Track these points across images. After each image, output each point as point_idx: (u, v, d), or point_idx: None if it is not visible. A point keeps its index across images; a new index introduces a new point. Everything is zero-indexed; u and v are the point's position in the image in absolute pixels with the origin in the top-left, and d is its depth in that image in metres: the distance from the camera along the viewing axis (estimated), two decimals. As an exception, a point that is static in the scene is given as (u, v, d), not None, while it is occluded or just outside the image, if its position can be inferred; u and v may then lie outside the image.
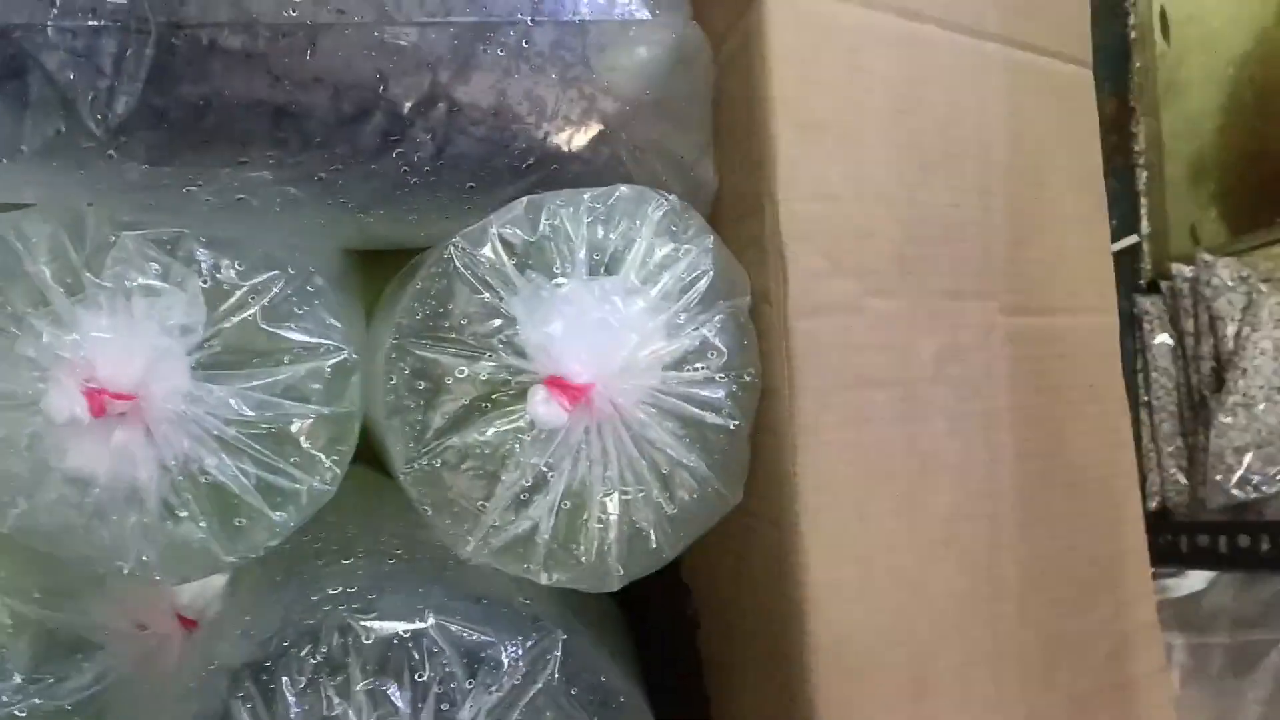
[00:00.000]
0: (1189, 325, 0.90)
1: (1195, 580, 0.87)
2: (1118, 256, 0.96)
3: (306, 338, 0.45)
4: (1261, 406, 0.83)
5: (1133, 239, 0.98)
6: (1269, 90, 0.94)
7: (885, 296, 0.50)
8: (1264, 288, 0.86)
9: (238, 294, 0.44)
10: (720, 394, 0.46)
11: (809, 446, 0.46)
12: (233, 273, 0.44)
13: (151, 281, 0.41)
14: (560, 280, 0.45)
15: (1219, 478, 0.83)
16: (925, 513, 0.49)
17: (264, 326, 0.44)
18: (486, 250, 0.45)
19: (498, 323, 0.44)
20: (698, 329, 0.46)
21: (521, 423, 0.44)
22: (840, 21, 0.51)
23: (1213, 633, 0.83)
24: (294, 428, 0.44)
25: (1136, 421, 0.94)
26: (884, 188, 0.50)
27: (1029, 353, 0.55)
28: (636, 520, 0.45)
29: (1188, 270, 0.91)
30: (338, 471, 0.46)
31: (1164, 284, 0.94)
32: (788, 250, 0.47)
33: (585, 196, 0.46)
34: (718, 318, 0.47)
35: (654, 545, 0.46)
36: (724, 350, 0.46)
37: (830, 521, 0.46)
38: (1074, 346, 0.58)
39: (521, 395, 0.44)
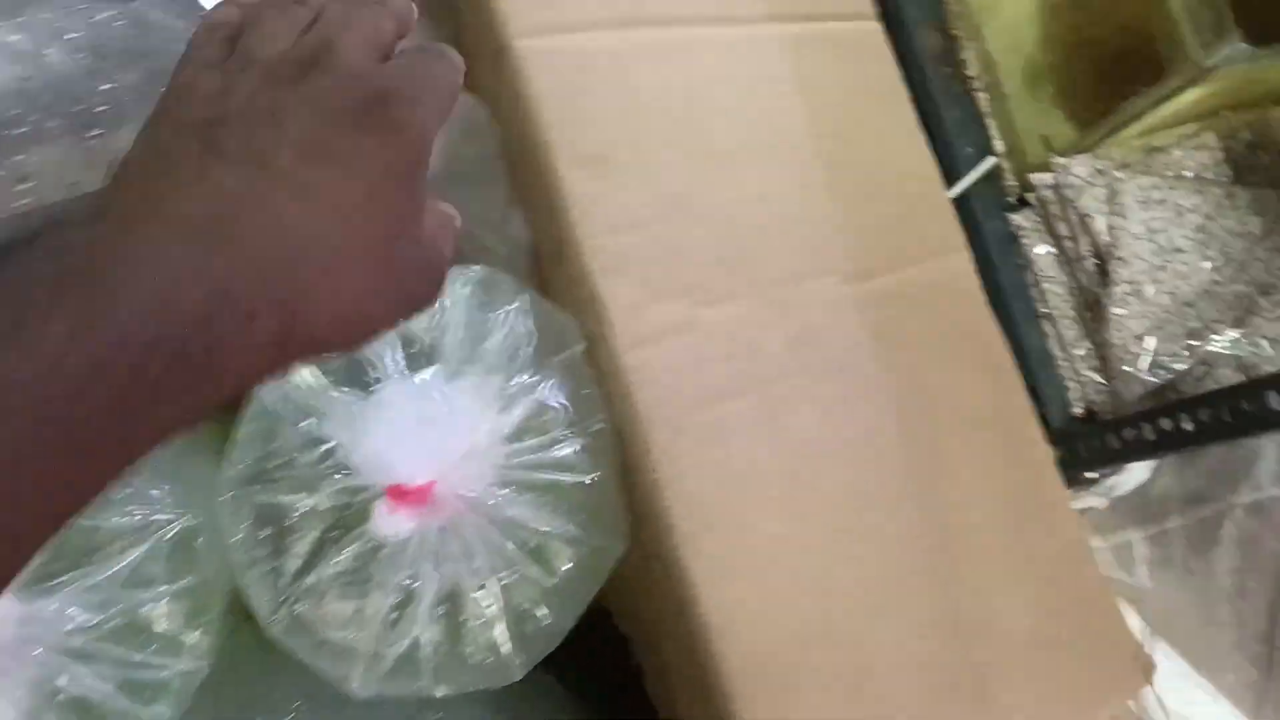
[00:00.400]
0: (1064, 230, 0.90)
1: (1139, 472, 0.87)
2: (983, 182, 0.97)
3: (134, 519, 0.43)
4: (1150, 289, 0.83)
5: (990, 161, 0.98)
6: (1076, -16, 0.95)
7: (716, 305, 0.49)
8: (1121, 174, 0.86)
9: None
10: (570, 451, 0.45)
11: (671, 477, 0.45)
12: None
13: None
14: (382, 387, 0.43)
15: (1128, 368, 0.83)
16: (815, 506, 0.48)
17: (85, 523, 0.42)
18: (296, 378, 0.43)
19: (324, 448, 0.43)
20: (531, 394, 0.45)
21: (375, 541, 0.42)
22: (599, 49, 0.50)
23: (1167, 519, 0.83)
24: (145, 615, 0.42)
25: (1042, 334, 0.94)
26: (688, 199, 0.50)
27: (885, 313, 0.54)
28: (519, 603, 0.44)
29: (1048, 178, 0.91)
30: (205, 645, 0.44)
31: (1030, 196, 0.94)
32: (600, 288, 0.46)
33: (381, 296, 0.45)
34: (551, 377, 0.45)
35: (546, 621, 0.45)
36: (563, 408, 0.45)
37: (712, 545, 0.45)
38: (930, 293, 0.57)
39: (367, 514, 0.42)
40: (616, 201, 0.47)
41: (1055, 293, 0.92)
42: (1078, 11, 0.95)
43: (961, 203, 0.96)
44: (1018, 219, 0.94)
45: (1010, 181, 0.98)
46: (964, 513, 0.52)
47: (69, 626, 0.40)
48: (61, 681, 0.40)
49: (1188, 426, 0.75)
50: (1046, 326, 0.93)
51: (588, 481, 0.45)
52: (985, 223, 0.95)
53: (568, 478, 0.45)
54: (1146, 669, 0.55)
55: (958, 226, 0.61)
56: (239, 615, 0.48)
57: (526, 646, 0.44)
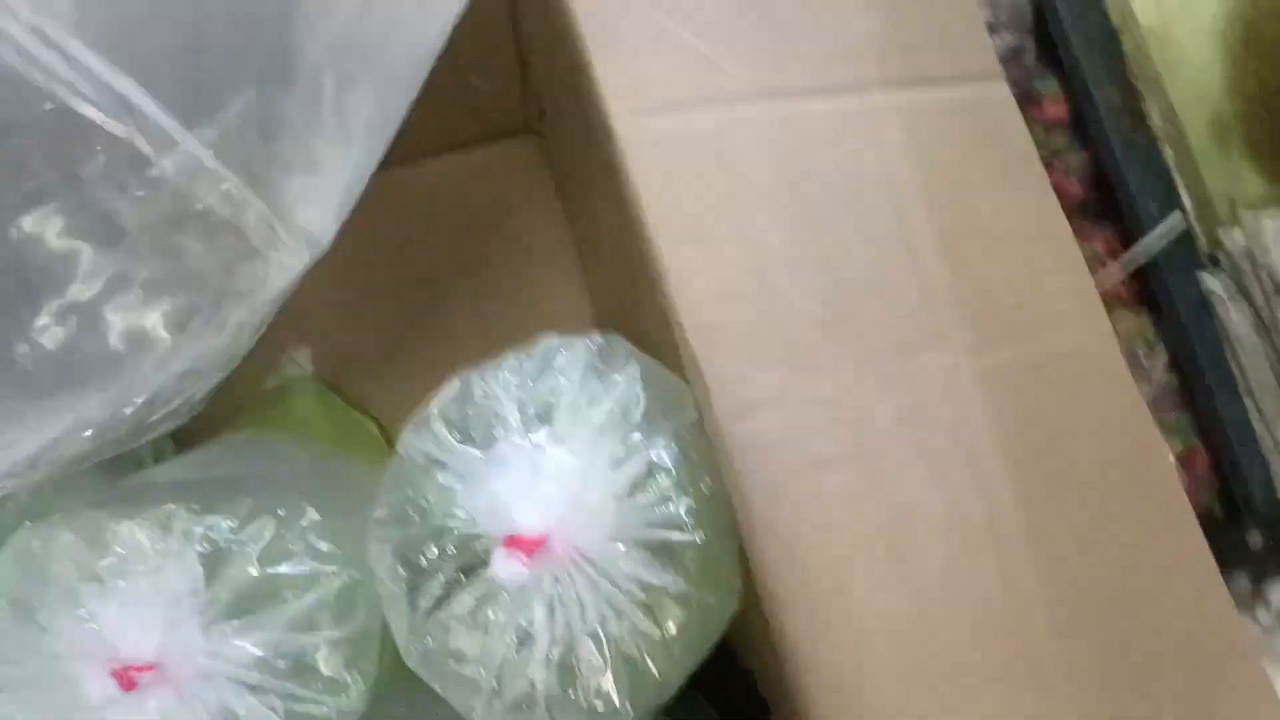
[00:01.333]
0: (1257, 293, 0.84)
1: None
2: (1172, 243, 0.92)
3: (304, 570, 0.50)
4: (1357, 353, 0.76)
5: (1176, 217, 0.93)
6: (1255, 30, 0.90)
7: (817, 374, 0.50)
8: (1317, 230, 0.80)
9: (234, 549, 0.49)
10: (679, 511, 0.47)
11: (766, 542, 0.47)
12: (225, 530, 0.49)
13: (153, 561, 0.47)
14: (499, 444, 0.48)
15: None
16: (915, 573, 0.48)
17: (264, 571, 0.49)
18: (430, 433, 0.49)
19: (451, 497, 0.47)
20: (640, 455, 0.48)
21: (495, 585, 0.47)
22: (699, 126, 0.53)
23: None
24: (311, 656, 0.49)
25: (1243, 409, 0.87)
26: (788, 267, 0.51)
27: (1010, 388, 0.53)
28: (628, 653, 0.46)
29: (1239, 235, 0.86)
30: (362, 688, 0.49)
31: (1221, 255, 0.89)
32: (702, 364, 0.49)
33: (510, 359, 0.50)
34: (661, 440, 0.49)
35: (655, 674, 0.47)
36: (672, 469, 0.48)
37: (808, 608, 0.46)
38: (1061, 367, 0.55)
39: (488, 559, 0.47)
40: (715, 275, 0.50)
41: (1255, 364, 0.86)
42: (1262, 61, 0.90)
43: (1150, 266, 0.92)
44: (1210, 282, 0.89)
45: (1200, 239, 0.93)
46: (1094, 595, 0.50)
47: (247, 660, 0.47)
48: (240, 710, 0.47)
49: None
50: (1248, 402, 0.86)
51: (697, 541, 0.47)
52: (1175, 287, 0.89)
53: (676, 536, 0.47)
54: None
55: (1095, 296, 0.58)
56: (391, 659, 0.53)
57: (634, 696, 0.47)
